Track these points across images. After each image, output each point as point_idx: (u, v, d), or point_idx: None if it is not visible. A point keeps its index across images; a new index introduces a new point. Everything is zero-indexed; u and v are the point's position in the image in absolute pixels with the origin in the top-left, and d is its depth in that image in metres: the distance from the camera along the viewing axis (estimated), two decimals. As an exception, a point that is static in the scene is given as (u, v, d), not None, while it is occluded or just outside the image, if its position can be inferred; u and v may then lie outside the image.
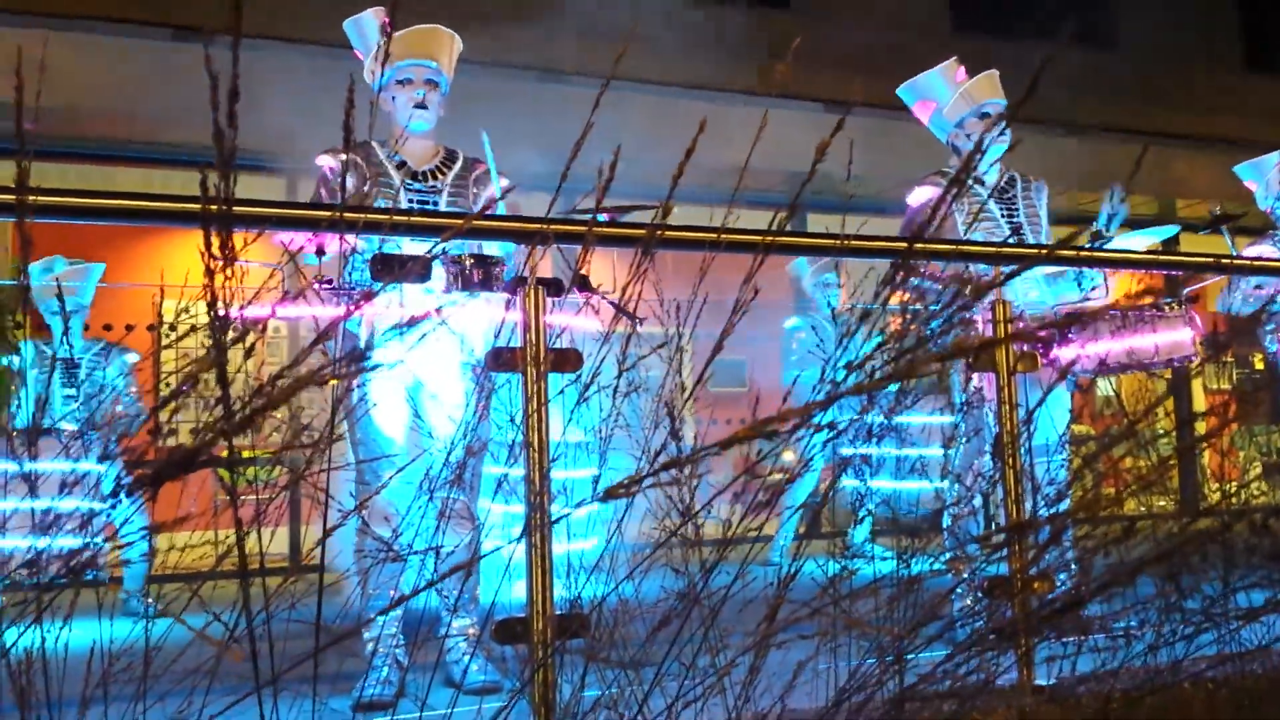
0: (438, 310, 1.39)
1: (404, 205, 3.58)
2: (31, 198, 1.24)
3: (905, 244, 1.81)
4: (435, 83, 3.69)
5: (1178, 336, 3.94)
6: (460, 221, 1.57)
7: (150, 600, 5.19)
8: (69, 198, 2.04)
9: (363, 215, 1.90)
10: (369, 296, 1.36)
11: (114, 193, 2.10)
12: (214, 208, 1.13)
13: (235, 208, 1.17)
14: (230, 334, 1.11)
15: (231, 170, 1.17)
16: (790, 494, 5.55)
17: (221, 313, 1.13)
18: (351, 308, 1.40)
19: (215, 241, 1.13)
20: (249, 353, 1.15)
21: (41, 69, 1.32)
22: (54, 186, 1.97)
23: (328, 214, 1.53)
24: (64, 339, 5.53)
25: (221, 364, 1.08)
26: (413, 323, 1.29)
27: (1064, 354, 3.95)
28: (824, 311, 7.11)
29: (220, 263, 1.13)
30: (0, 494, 3.73)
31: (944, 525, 2.79)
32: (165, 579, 1.71)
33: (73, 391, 5.48)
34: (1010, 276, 1.69)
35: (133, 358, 5.73)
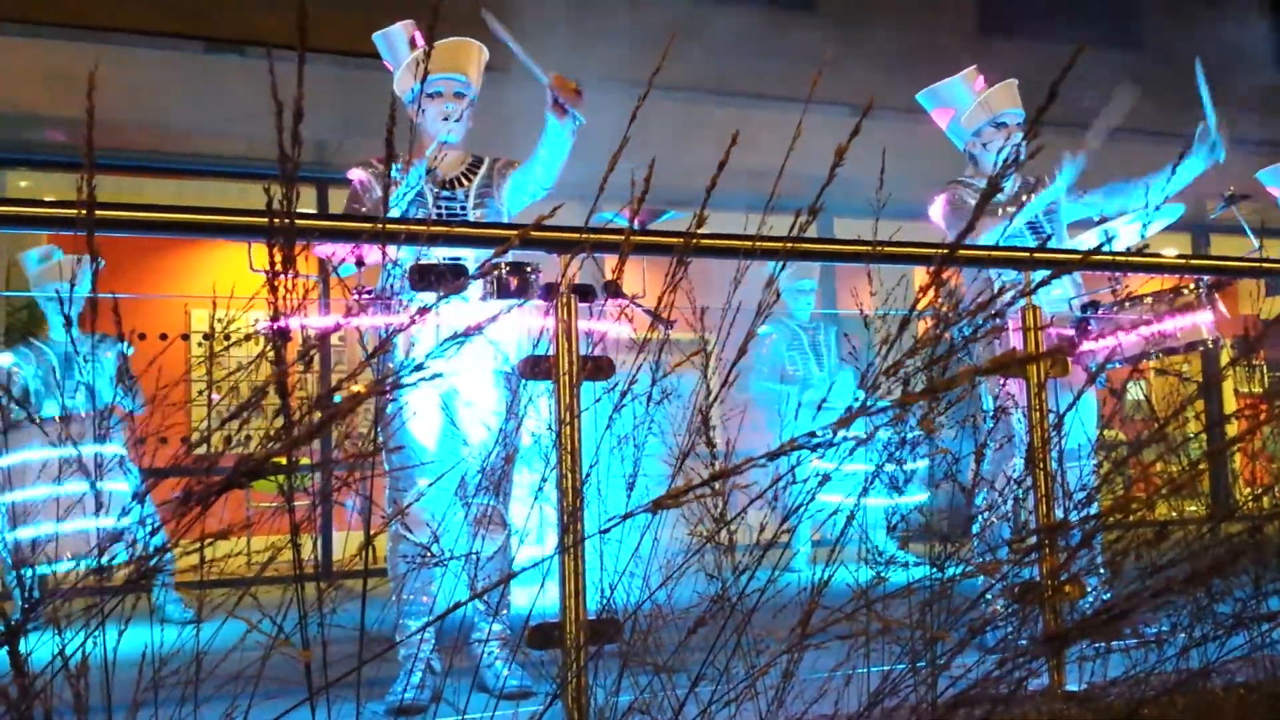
0: (492, 320, 1.41)
1: (434, 214, 3.62)
2: (97, 213, 1.27)
3: (938, 250, 1.83)
4: (464, 95, 3.73)
5: (1195, 319, 3.94)
6: (504, 232, 1.60)
7: (190, 605, 5.24)
8: (133, 211, 2.08)
9: (425, 228, 1.93)
10: (424, 312, 1.39)
11: (176, 206, 2.14)
12: (278, 221, 1.16)
13: (298, 221, 1.20)
14: (293, 346, 1.14)
15: (295, 184, 1.20)
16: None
17: (282, 324, 1.16)
18: (408, 322, 1.42)
19: (279, 255, 1.16)
20: (308, 364, 1.18)
21: (92, 84, 1.35)
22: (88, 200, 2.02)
23: (381, 225, 1.56)
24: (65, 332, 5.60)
25: (283, 376, 1.11)
26: (468, 333, 1.32)
27: (1091, 347, 3.95)
28: (797, 319, 7.01)
29: (283, 274, 1.16)
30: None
31: (974, 530, 2.80)
32: (212, 584, 1.74)
33: (71, 383, 5.56)
34: (1043, 284, 1.70)
35: (127, 349, 5.79)
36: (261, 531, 1.79)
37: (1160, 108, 4.42)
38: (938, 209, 4.39)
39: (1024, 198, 4.32)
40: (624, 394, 1.83)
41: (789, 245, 1.83)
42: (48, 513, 4.25)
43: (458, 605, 1.55)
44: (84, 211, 1.23)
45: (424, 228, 1.98)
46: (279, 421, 1.14)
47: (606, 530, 1.52)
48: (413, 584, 3.42)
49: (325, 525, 7.05)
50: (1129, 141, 4.39)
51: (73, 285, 2.00)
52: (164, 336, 6.49)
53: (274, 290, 1.16)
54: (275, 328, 1.16)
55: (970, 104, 4.39)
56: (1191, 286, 3.98)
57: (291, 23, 1.38)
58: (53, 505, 4.24)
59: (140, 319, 7.16)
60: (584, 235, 2.04)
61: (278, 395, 1.13)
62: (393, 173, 3.56)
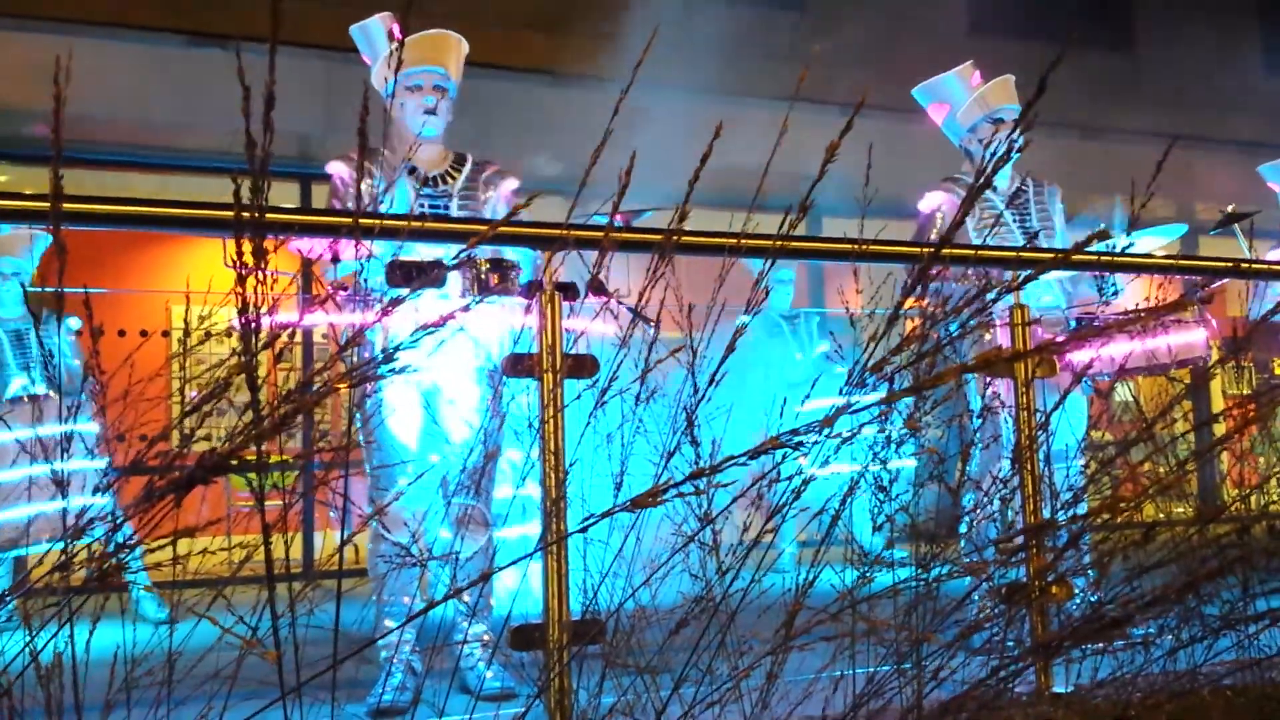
0: (463, 310, 1.39)
1: (416, 211, 3.59)
2: (65, 205, 1.24)
3: (926, 249, 1.81)
4: (444, 88, 3.70)
5: (1190, 337, 3.93)
6: (484, 228, 1.58)
7: (166, 605, 5.20)
8: (101, 205, 2.06)
9: (399, 223, 1.91)
10: (396, 303, 1.36)
11: (146, 200, 2.12)
12: (246, 215, 1.13)
13: (267, 215, 1.17)
14: (259, 340, 1.12)
15: (266, 177, 1.17)
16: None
17: (251, 319, 1.13)
18: (378, 315, 1.40)
19: (247, 248, 1.14)
20: (279, 358, 1.15)
21: (67, 76, 1.32)
22: (71, 193, 1.99)
23: (355, 220, 1.54)
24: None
25: (252, 369, 1.09)
26: (438, 324, 1.29)
27: (1078, 357, 3.94)
28: (776, 309, 7.02)
29: (251, 269, 1.13)
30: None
31: (960, 531, 2.78)
32: (186, 584, 1.71)
33: (26, 358, 5.49)
34: (1027, 280, 1.68)
35: (75, 322, 5.72)
36: (242, 529, 1.76)
37: (1152, 109, 4.41)
38: (928, 204, 4.37)
39: (1021, 198, 4.30)
40: (604, 391, 1.80)
41: (778, 244, 1.81)
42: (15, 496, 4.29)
43: (434, 604, 1.53)
44: (52, 204, 1.21)
45: (401, 223, 1.95)
46: (249, 417, 1.12)
47: (585, 529, 1.50)
48: (393, 584, 3.40)
49: (307, 524, 7.02)
50: (1119, 143, 4.40)
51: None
52: (145, 334, 6.45)
53: (243, 285, 1.14)
54: (244, 323, 1.13)
55: (966, 100, 4.37)
56: (1188, 308, 3.97)
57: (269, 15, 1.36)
58: (18, 489, 4.29)
59: (121, 315, 7.10)
60: (565, 231, 2.02)
61: (247, 388, 1.10)
62: (376, 176, 3.54)
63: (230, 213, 1.14)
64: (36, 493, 4.23)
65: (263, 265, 1.18)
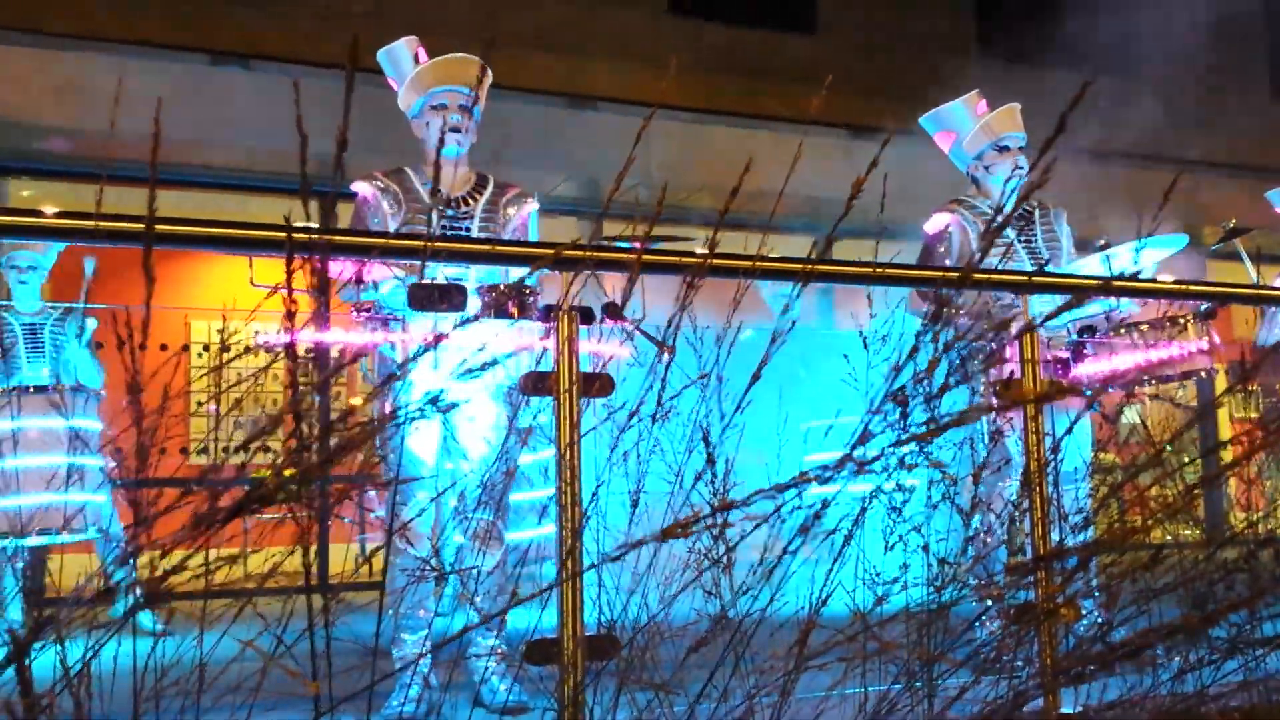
0: (509, 355, 1.42)
1: (438, 233, 3.64)
2: (158, 227, 1.29)
3: (946, 274, 1.85)
4: (468, 108, 3.75)
5: (1193, 351, 3.96)
6: (551, 252, 1.61)
7: (160, 617, 5.22)
8: (192, 227, 2.14)
9: (450, 246, 1.94)
10: (440, 340, 1.40)
11: (232, 223, 2.19)
12: (315, 238, 1.16)
13: (354, 239, 1.21)
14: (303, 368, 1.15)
15: (336, 201, 1.21)
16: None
17: (295, 339, 1.17)
18: (427, 345, 1.43)
19: (305, 271, 1.17)
20: (326, 387, 1.18)
21: (117, 99, 1.36)
22: (87, 210, 2.05)
23: (423, 244, 1.58)
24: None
25: (298, 398, 1.12)
26: (484, 368, 1.32)
27: (1082, 371, 3.97)
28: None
29: (320, 294, 1.16)
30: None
31: (971, 553, 2.80)
32: (213, 595, 1.75)
33: (38, 352, 5.58)
34: (1050, 317, 1.70)
35: (92, 324, 5.79)
36: (260, 543, 1.80)
37: (1155, 133, 4.44)
38: (934, 225, 4.41)
39: (1027, 223, 4.33)
40: (632, 415, 1.84)
41: (808, 268, 1.84)
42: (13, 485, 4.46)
43: (463, 632, 1.56)
44: (146, 227, 1.24)
45: (480, 248, 1.98)
46: (287, 440, 1.15)
47: (613, 558, 1.53)
48: (411, 597, 3.42)
49: (323, 538, 7.05)
50: (1123, 167, 4.42)
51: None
52: (164, 347, 6.50)
53: (320, 308, 1.17)
54: (317, 347, 1.17)
55: (972, 127, 4.41)
56: (1188, 318, 4.00)
57: (292, 36, 1.40)
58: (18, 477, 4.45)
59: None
60: (591, 253, 2.05)
61: (293, 419, 1.13)
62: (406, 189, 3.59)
63: (304, 235, 1.17)
64: (34, 483, 4.38)
65: (328, 287, 1.21)
